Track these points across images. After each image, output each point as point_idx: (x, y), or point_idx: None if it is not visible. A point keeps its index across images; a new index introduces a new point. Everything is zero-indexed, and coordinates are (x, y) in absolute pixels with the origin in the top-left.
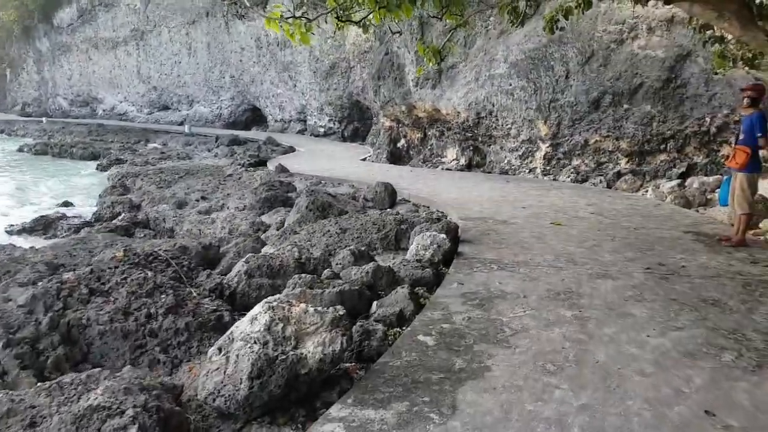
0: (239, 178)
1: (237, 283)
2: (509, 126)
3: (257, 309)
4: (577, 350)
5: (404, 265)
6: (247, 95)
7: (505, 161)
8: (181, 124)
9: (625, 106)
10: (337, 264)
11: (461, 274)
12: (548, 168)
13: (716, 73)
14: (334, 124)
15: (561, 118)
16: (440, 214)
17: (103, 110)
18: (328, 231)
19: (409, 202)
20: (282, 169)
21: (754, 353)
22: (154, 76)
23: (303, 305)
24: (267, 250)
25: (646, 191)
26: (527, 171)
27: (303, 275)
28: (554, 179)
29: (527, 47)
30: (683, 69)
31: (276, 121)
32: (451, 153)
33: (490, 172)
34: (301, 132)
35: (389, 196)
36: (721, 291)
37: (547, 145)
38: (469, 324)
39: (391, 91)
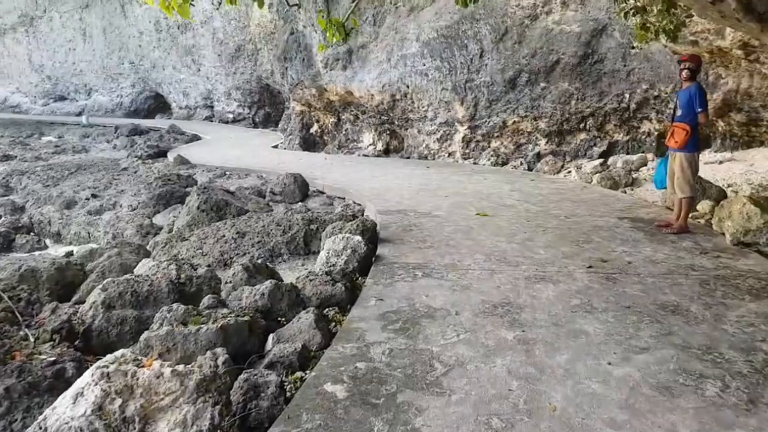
0: (135, 172)
1: (92, 319)
2: (425, 108)
3: (85, 378)
4: (528, 392)
5: (311, 280)
6: (148, 82)
7: (424, 145)
8: (80, 114)
9: (542, 84)
10: (226, 282)
11: (380, 285)
12: (467, 151)
13: (633, 47)
14: (244, 109)
15: (477, 99)
16: (357, 207)
17: None
18: (223, 236)
19: (323, 194)
20: (182, 161)
21: (740, 381)
22: (47, 64)
23: (156, 365)
24: (146, 264)
25: (569, 172)
26: (447, 155)
27: (176, 306)
28: (474, 163)
29: (439, 25)
30: (600, 44)
31: (181, 108)
32: (368, 138)
33: (408, 158)
34: (209, 119)
35: (299, 188)
36: (678, 293)
37: (465, 127)
38: (391, 360)
39: (300, 73)
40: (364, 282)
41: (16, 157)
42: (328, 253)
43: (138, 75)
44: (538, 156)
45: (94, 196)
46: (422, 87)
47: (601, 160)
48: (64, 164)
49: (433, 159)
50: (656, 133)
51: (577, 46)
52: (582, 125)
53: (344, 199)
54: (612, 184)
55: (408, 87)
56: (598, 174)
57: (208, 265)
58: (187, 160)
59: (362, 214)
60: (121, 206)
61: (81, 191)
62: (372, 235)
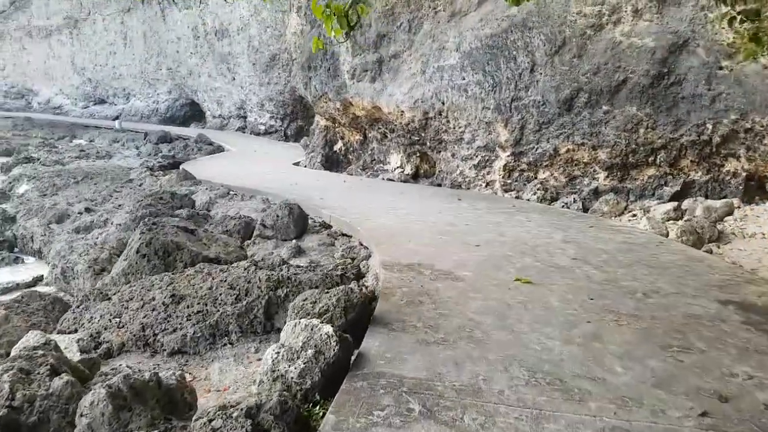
0: (140, 185)
1: None
2: (462, 129)
3: None
4: None
5: (226, 422)
6: (184, 89)
7: (458, 171)
8: (116, 119)
9: (605, 107)
10: (82, 415)
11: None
12: (509, 182)
13: (721, 68)
14: (276, 121)
15: (525, 121)
16: (363, 252)
17: (38, 103)
18: (153, 299)
19: (328, 228)
20: (185, 176)
21: None
22: (89, 67)
23: None
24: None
25: (633, 216)
26: (484, 185)
27: None
28: (517, 196)
29: (484, 33)
30: (678, 62)
31: (214, 117)
32: (395, 159)
33: (439, 185)
34: (242, 129)
35: (295, 222)
36: None
37: (508, 153)
38: None
39: (324, 84)
40: (321, 419)
41: (38, 159)
42: (279, 350)
43: (174, 81)
44: (596, 193)
45: (88, 210)
46: (460, 104)
47: (674, 203)
48: (74, 171)
49: (468, 188)
50: (744, 174)
51: (650, 63)
52: (651, 159)
53: (350, 237)
54: (695, 240)
55: (443, 104)
56: (672, 222)
57: (123, 344)
58: (191, 175)
59: (366, 264)
60: (111, 224)
61: (77, 203)
62: (359, 316)
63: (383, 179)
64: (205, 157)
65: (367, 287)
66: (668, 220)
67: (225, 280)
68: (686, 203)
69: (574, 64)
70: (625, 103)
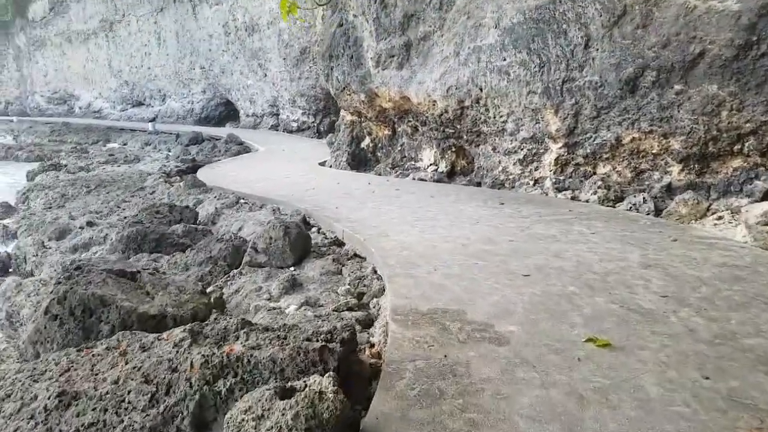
0: (152, 193)
1: None
2: (504, 118)
3: None
4: None
5: None
6: (218, 88)
7: (500, 168)
8: (153, 120)
9: (677, 86)
10: None
11: None
12: (562, 179)
13: None
14: (308, 117)
15: (580, 107)
16: (376, 285)
17: (80, 107)
18: (35, 397)
19: (340, 247)
20: (194, 183)
21: None
22: (125, 69)
23: None
24: None
25: (719, 218)
26: (531, 183)
27: None
28: (573, 197)
29: (527, 5)
30: None
31: (248, 115)
32: (428, 156)
33: (479, 184)
34: (274, 128)
35: (292, 245)
36: None
37: (560, 145)
38: None
39: (347, 75)
40: None
41: (65, 166)
42: None
43: (208, 81)
44: (669, 190)
45: (90, 224)
46: (501, 90)
47: None
48: (89, 179)
49: (512, 188)
50: None
51: (735, 31)
52: (737, 147)
53: (364, 260)
54: None
55: (481, 90)
56: None
57: None
58: (201, 182)
59: (377, 304)
60: (110, 240)
61: (81, 216)
62: None
63: (414, 179)
64: (228, 159)
65: (371, 348)
66: (766, 224)
67: (139, 368)
68: None
69: (637, 37)
70: (702, 81)
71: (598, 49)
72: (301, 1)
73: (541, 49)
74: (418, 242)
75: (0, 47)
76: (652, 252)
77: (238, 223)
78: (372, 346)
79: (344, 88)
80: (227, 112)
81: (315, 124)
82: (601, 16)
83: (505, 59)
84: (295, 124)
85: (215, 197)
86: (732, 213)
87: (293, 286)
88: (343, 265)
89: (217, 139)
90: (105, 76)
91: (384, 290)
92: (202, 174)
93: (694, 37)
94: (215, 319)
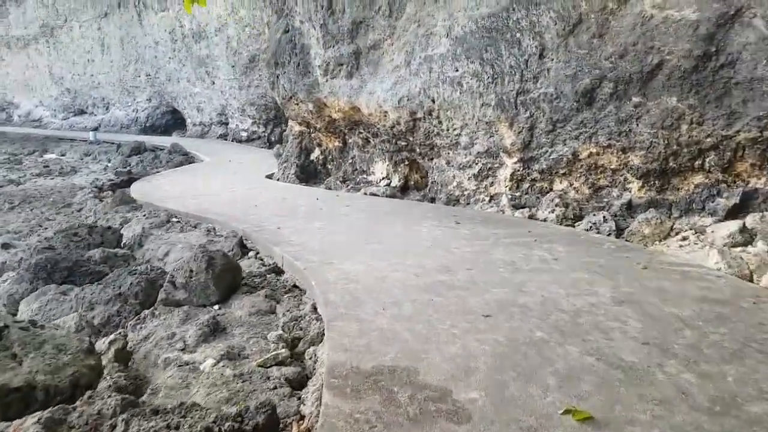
0: (79, 210)
1: None
2: (457, 131)
3: None
4: None
5: None
6: (164, 96)
7: (454, 183)
8: (96, 129)
9: (636, 99)
10: None
11: None
12: (518, 195)
13: None
14: (258, 127)
15: (535, 119)
16: (315, 327)
17: (19, 116)
18: None
19: (281, 274)
20: (122, 199)
21: None
22: (67, 76)
23: None
24: None
25: (684, 239)
26: (487, 199)
27: None
28: (531, 215)
29: (479, 13)
30: (729, 38)
31: (195, 124)
32: (380, 169)
33: (433, 199)
34: (223, 137)
35: (217, 279)
36: None
37: (516, 159)
38: None
39: (293, 83)
40: None
41: None
42: None
43: (154, 88)
44: (629, 207)
45: (5, 246)
46: (453, 101)
47: (738, 222)
48: (12, 195)
49: (468, 204)
50: None
51: (693, 41)
52: (698, 163)
53: (304, 293)
54: None
55: (434, 101)
56: (742, 249)
57: None
58: (130, 198)
59: (313, 355)
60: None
61: None
62: None
63: (365, 194)
64: (167, 171)
65: (300, 423)
66: (734, 246)
67: None
68: (751, 220)
69: (594, 47)
70: (661, 93)
71: (553, 60)
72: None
73: (494, 60)
74: (366, 272)
75: None
76: (623, 283)
77: (166, 246)
78: (302, 418)
79: (291, 97)
80: (174, 121)
81: (266, 134)
82: (556, 24)
83: (457, 70)
84: (244, 134)
85: (144, 215)
86: (696, 233)
87: (214, 331)
88: (277, 302)
89: (160, 149)
90: (46, 83)
91: (323, 335)
92: (135, 188)
93: (652, 47)
94: (89, 397)
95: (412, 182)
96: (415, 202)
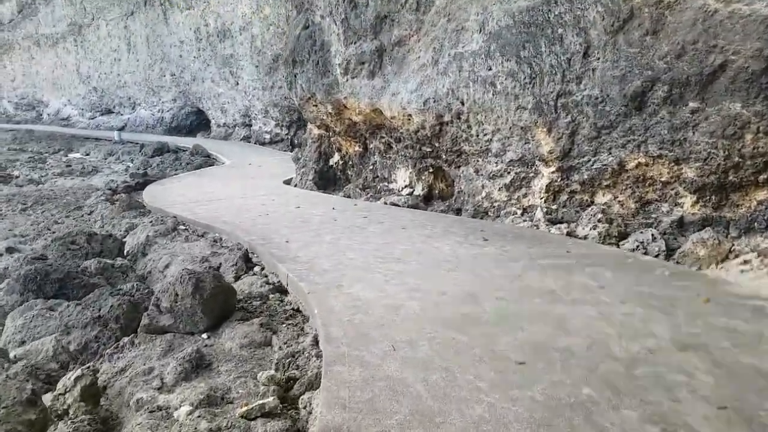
0: (90, 213)
1: None
2: (489, 137)
3: None
4: None
5: None
6: (189, 96)
7: (483, 194)
8: (122, 129)
9: (693, 104)
10: None
11: None
12: (555, 208)
13: None
14: (282, 129)
15: (577, 125)
16: (310, 363)
17: (48, 114)
18: None
19: (285, 294)
20: (130, 204)
21: None
22: (94, 75)
23: None
24: None
25: (745, 263)
26: (519, 212)
27: None
28: (569, 232)
29: (517, 6)
30: None
31: (219, 126)
32: (402, 177)
33: (459, 211)
34: (247, 139)
35: (205, 304)
36: None
37: (553, 169)
38: None
39: (311, 83)
40: None
41: (16, 177)
42: None
43: (179, 88)
44: (680, 224)
45: (9, 250)
46: (485, 104)
47: None
48: (29, 195)
49: (497, 217)
50: None
51: (763, 40)
52: (763, 177)
53: (306, 321)
54: None
55: (463, 104)
56: None
57: None
58: (138, 203)
59: (308, 405)
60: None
61: (2, 240)
62: None
63: (386, 203)
64: (186, 173)
65: None
66: None
67: None
68: None
69: (646, 45)
70: (723, 98)
71: (599, 59)
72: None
73: (532, 58)
74: (377, 299)
75: None
76: (685, 321)
77: (167, 257)
78: None
79: (309, 98)
80: (198, 122)
81: (289, 137)
82: (603, 20)
83: (490, 68)
84: (267, 136)
85: (150, 222)
86: (760, 256)
87: (197, 368)
88: (274, 332)
89: (183, 151)
90: (74, 82)
91: (320, 376)
92: (148, 192)
93: (714, 46)
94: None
95: (437, 191)
96: (439, 214)
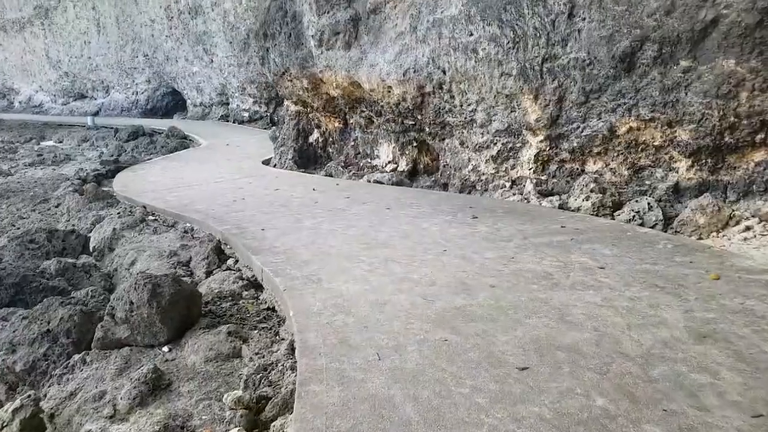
0: (57, 206)
1: None
2: (473, 107)
3: None
4: None
5: None
6: (163, 76)
7: (470, 167)
8: (96, 114)
9: (684, 63)
10: None
11: None
12: (545, 179)
13: None
14: (260, 106)
15: (564, 90)
16: (285, 378)
17: (20, 102)
18: None
19: (260, 290)
20: (95, 195)
21: None
22: (64, 60)
23: None
24: None
25: (747, 229)
26: (508, 185)
27: None
28: (561, 204)
29: None
30: None
31: (195, 105)
32: (386, 152)
33: (445, 186)
34: (225, 118)
35: (164, 314)
36: None
37: (542, 137)
38: None
39: (285, 57)
40: None
41: None
42: None
43: (153, 69)
44: (676, 190)
45: None
46: (468, 72)
47: None
48: None
49: (485, 191)
50: None
51: None
52: (760, 137)
53: (282, 323)
54: None
55: (444, 72)
56: None
57: None
58: (105, 193)
59: (282, 426)
60: None
61: None
62: None
63: (369, 181)
64: (159, 158)
65: None
66: None
67: None
68: None
69: (634, 2)
70: (716, 55)
71: (585, 19)
72: None
73: (515, 21)
74: (361, 294)
75: None
76: (696, 304)
77: (133, 253)
78: None
79: (283, 73)
80: (175, 103)
81: (268, 114)
82: None
83: (471, 34)
84: (246, 114)
85: (118, 214)
86: (762, 221)
87: (155, 389)
88: (244, 341)
89: (159, 133)
90: (44, 67)
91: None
92: (118, 180)
93: (705, 0)
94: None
95: (422, 166)
96: (425, 191)
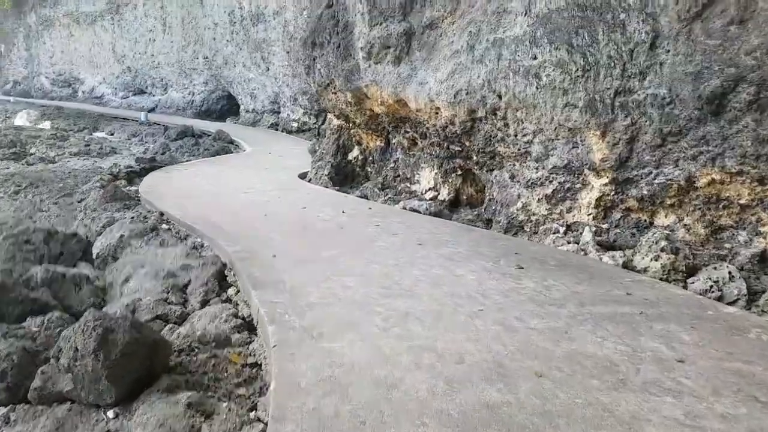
0: (80, 201)
1: None
2: (529, 137)
3: None
4: None
5: None
6: (220, 80)
7: (519, 204)
8: (152, 110)
9: None
10: None
11: None
12: (606, 228)
13: None
14: (309, 118)
15: (637, 129)
16: None
17: (83, 92)
18: None
19: (251, 336)
20: (114, 195)
21: None
22: (129, 55)
23: None
24: None
25: None
26: (562, 230)
27: None
28: (625, 262)
29: None
30: None
31: (248, 111)
32: (427, 177)
33: (489, 222)
34: (274, 126)
35: (113, 369)
36: None
37: (606, 180)
38: None
39: (331, 68)
40: None
41: (31, 154)
42: None
43: (211, 72)
44: (763, 260)
45: None
46: (527, 99)
47: None
48: (27, 175)
49: (534, 233)
50: None
51: None
52: None
53: (265, 391)
54: None
55: (500, 97)
56: None
57: None
58: (123, 193)
59: None
60: None
61: None
62: None
63: (405, 208)
64: (198, 160)
65: None
66: None
67: None
68: None
69: (730, 36)
70: None
71: (669, 51)
72: None
73: (587, 47)
74: (367, 365)
75: (13, 25)
76: None
77: (130, 268)
78: None
79: (327, 84)
80: (229, 106)
81: (316, 126)
82: (677, 4)
83: (535, 57)
84: (295, 124)
85: (131, 218)
86: None
87: None
88: (208, 417)
89: (207, 135)
90: (109, 60)
91: None
92: (146, 180)
93: None
94: None
95: (465, 197)
96: (465, 226)
